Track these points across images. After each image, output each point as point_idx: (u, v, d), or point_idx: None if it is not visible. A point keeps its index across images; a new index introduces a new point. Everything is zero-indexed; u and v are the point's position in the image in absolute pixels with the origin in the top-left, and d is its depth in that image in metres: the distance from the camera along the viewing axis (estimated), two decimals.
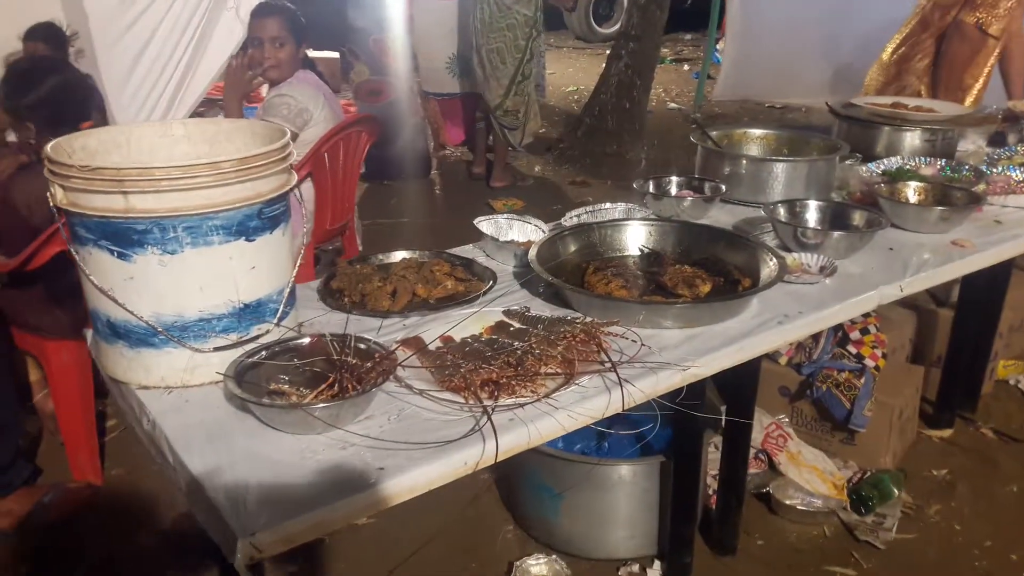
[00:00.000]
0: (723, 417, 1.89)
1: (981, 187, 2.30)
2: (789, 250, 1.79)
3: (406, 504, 1.03)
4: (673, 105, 8.82)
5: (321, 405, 1.06)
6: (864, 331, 2.65)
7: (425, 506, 2.03)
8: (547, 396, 1.16)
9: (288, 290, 1.30)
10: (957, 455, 2.71)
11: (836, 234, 1.74)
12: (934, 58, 3.11)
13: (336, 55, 6.84)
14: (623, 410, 1.19)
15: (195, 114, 5.60)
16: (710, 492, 2.31)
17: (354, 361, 1.11)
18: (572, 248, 1.73)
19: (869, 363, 2.60)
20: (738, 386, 1.93)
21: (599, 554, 2.13)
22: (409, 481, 1.02)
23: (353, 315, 1.47)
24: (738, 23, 7.57)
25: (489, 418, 1.08)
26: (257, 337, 1.25)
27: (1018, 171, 2.42)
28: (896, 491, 2.43)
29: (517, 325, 1.41)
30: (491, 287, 1.60)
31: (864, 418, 2.51)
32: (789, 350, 2.75)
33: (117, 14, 4.65)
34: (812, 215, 1.91)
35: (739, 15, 7.48)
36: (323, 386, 1.07)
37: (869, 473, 2.51)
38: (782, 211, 1.88)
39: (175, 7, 4.84)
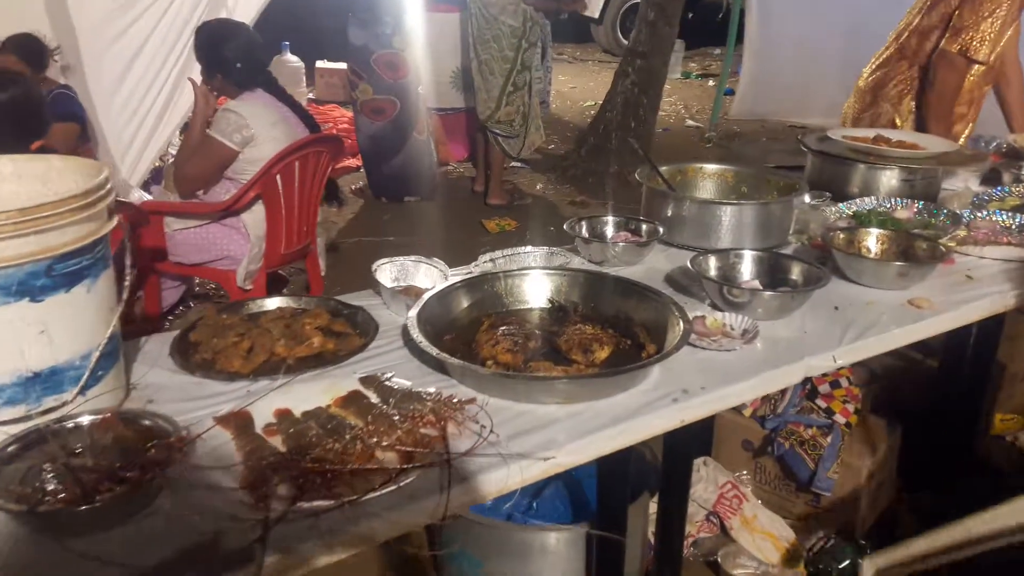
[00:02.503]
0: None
1: (961, 233, 2.09)
2: (718, 307, 1.61)
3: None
4: (691, 122, 8.61)
5: (84, 508, 0.91)
6: (834, 384, 2.44)
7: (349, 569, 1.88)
8: (359, 499, 0.99)
9: (99, 354, 1.16)
10: (936, 522, 2.48)
11: (766, 294, 1.55)
12: (914, 88, 2.90)
13: (344, 66, 6.77)
14: (444, 518, 1.02)
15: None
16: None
17: (87, 463, 0.95)
18: (470, 300, 1.57)
19: (839, 419, 2.39)
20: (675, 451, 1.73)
21: None
22: None
23: (196, 378, 1.32)
24: (756, 41, 7.34)
25: (265, 533, 0.92)
26: (52, 409, 1.10)
27: (1006, 216, 2.19)
28: (860, 564, 2.21)
29: (372, 397, 1.25)
30: (365, 345, 1.44)
31: (828, 481, 2.31)
32: (755, 400, 2.55)
33: (106, 24, 4.59)
34: (747, 268, 1.71)
35: (757, 32, 7.26)
36: (54, 487, 0.91)
37: (832, 541, 2.29)
38: (712, 263, 1.69)
39: (167, 16, 4.78)
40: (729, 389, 1.35)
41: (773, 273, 1.71)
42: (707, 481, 2.36)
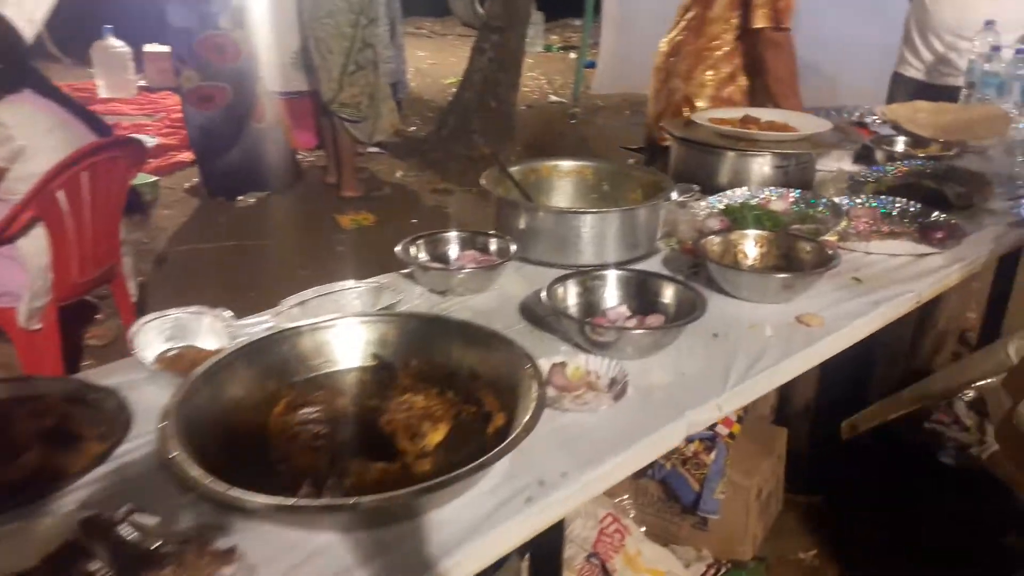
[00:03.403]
0: None
1: (843, 225, 1.89)
2: (581, 347, 1.32)
3: None
4: (555, 98, 8.40)
5: None
6: None
7: None
8: None
9: None
10: (826, 527, 2.34)
11: (635, 332, 1.27)
12: (706, 61, 2.70)
13: (167, 49, 6.10)
14: None
15: None
16: None
17: None
18: (263, 368, 1.19)
19: (722, 430, 2.19)
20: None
21: None
22: None
23: None
24: (615, 11, 7.15)
25: None
26: None
27: (885, 201, 2.02)
28: None
29: (97, 555, 0.86)
30: (106, 455, 1.04)
31: (715, 502, 2.10)
32: None
33: None
34: (611, 292, 1.43)
35: (615, 3, 7.07)
36: None
37: (724, 569, 2.09)
38: (571, 290, 1.39)
39: None
40: (596, 471, 1.05)
41: (641, 295, 1.43)
42: (585, 516, 2.09)
